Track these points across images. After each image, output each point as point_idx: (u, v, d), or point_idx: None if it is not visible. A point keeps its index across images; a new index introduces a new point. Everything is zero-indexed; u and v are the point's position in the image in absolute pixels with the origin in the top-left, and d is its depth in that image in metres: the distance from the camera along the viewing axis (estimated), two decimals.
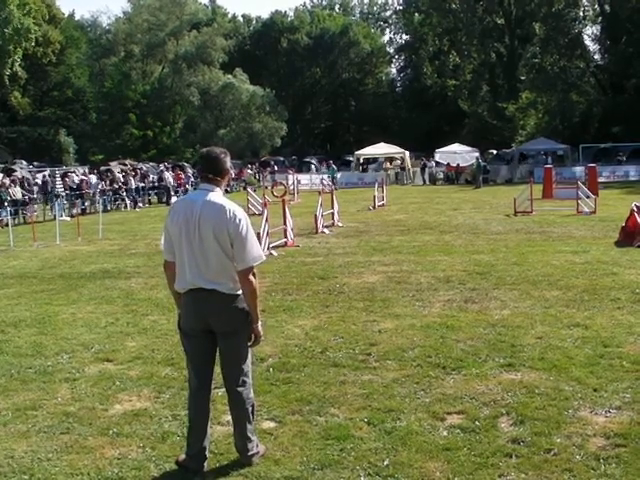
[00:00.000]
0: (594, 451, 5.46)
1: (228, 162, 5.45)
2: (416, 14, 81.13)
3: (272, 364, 7.91)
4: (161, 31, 75.56)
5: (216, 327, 5.30)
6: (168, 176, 41.47)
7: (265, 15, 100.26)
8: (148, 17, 75.30)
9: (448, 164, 52.14)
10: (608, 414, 6.18)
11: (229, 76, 71.82)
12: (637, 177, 46.09)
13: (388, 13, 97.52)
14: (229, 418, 5.68)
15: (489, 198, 33.12)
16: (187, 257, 5.26)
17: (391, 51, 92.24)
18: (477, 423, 6.06)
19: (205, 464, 5.42)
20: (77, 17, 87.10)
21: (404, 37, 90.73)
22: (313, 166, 60.98)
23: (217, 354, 5.47)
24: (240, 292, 5.27)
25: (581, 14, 69.01)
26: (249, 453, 5.44)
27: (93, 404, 6.94)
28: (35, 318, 10.76)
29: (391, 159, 54.28)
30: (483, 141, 59.93)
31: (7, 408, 6.89)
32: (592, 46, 71.16)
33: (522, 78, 71.23)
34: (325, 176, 48.97)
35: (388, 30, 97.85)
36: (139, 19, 76.01)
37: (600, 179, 38.00)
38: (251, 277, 5.22)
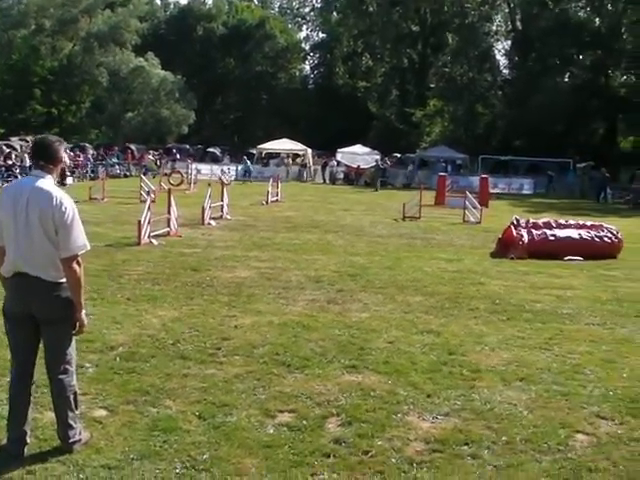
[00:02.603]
0: (410, 455, 5.61)
1: (61, 151, 5.51)
2: (334, 13, 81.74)
3: (120, 353, 7.87)
4: (75, 7, 73.51)
5: (38, 314, 5.27)
6: (64, 156, 40.47)
7: (183, 1, 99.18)
8: None
9: (349, 165, 52.54)
10: (434, 420, 6.34)
11: (140, 59, 70.45)
12: (530, 191, 47.43)
13: (307, 10, 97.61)
14: None
15: (383, 201, 33.56)
16: (13, 242, 5.23)
17: (306, 48, 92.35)
18: (305, 422, 6.15)
19: (25, 449, 5.39)
20: None
21: (320, 35, 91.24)
22: (219, 154, 60.71)
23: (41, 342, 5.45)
24: (64, 280, 5.26)
25: (494, 29, 71.04)
26: (70, 440, 5.44)
27: None
28: None
29: (295, 156, 54.37)
30: (389, 144, 60.54)
31: None
32: (502, 60, 73.27)
33: (431, 86, 72.85)
34: (230, 167, 49.08)
35: (305, 27, 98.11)
36: None
37: (496, 190, 39.02)
38: (75, 265, 5.22)
